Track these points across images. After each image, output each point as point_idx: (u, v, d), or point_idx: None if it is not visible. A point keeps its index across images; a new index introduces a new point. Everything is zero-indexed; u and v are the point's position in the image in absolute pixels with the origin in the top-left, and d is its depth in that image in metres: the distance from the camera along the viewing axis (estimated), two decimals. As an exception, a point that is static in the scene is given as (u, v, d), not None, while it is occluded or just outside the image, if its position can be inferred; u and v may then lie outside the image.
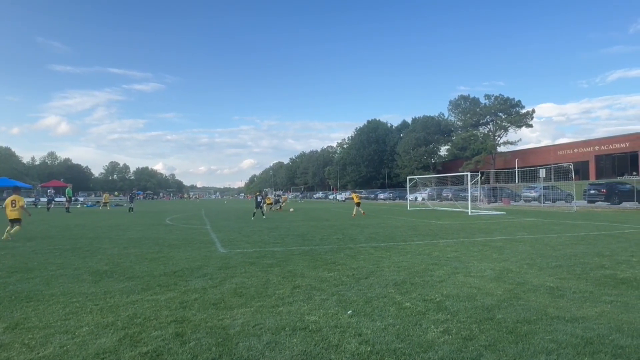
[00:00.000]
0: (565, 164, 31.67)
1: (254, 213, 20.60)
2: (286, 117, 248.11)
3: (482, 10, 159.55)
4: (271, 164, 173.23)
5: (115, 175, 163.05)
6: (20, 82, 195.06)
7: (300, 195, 77.95)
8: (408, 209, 29.03)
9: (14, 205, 11.41)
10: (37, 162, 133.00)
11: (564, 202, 32.72)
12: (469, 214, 21.92)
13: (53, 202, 39.16)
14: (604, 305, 4.41)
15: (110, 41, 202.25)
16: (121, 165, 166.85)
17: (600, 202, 29.57)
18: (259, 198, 21.71)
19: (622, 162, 48.45)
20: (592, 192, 30.50)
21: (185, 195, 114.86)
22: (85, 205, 42.48)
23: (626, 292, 5.01)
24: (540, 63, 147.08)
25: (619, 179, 40.83)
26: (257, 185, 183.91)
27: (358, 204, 22.28)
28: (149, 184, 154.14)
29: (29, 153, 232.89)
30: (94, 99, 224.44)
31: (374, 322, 3.93)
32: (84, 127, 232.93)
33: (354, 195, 23.85)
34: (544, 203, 31.44)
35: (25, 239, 11.14)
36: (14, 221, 11.31)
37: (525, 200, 35.58)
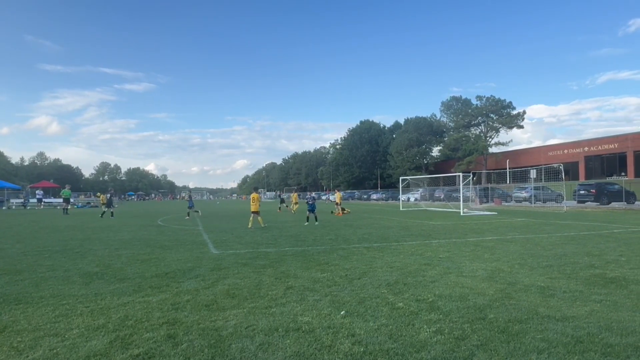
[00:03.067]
0: (555, 165, 32.04)
1: (309, 217, 16.69)
2: (279, 118, 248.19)
3: (475, 12, 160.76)
4: (264, 165, 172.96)
5: (106, 176, 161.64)
6: (9, 81, 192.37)
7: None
8: (401, 209, 29.14)
9: (253, 200, 14.96)
10: (27, 163, 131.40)
11: (554, 202, 33.09)
12: (461, 214, 22.07)
13: (42, 202, 38.63)
14: (593, 304, 4.47)
15: (102, 40, 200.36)
16: (112, 165, 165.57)
17: (589, 202, 29.96)
18: (309, 199, 17.14)
19: (611, 163, 49.15)
20: (581, 192, 30.88)
21: (183, 195, 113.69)
22: (75, 207, 41.96)
23: (615, 291, 5.07)
24: (531, 65, 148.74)
25: (607, 179, 41.38)
26: (249, 185, 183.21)
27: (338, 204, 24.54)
28: (140, 185, 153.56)
29: (18, 153, 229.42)
30: (85, 99, 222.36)
31: (367, 322, 3.94)
32: (75, 127, 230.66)
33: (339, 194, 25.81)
34: (534, 203, 31.76)
35: (14, 240, 10.99)
36: (255, 213, 14.62)
37: (516, 201, 35.92)
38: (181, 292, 5.16)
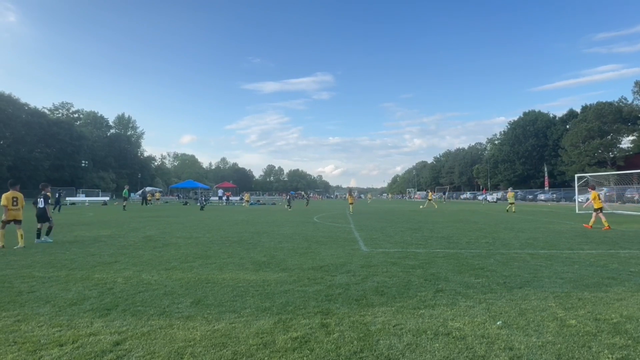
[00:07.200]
0: None
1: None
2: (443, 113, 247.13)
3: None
4: (414, 164, 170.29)
5: (271, 177, 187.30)
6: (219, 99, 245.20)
7: (444, 196, 74.31)
8: (577, 212, 24.89)
9: (350, 197, 19.30)
10: (213, 167, 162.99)
11: None
12: (665, 219, 17.63)
13: (223, 200, 45.75)
14: None
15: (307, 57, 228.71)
16: (276, 168, 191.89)
17: None
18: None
19: None
20: None
21: (346, 195, 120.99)
22: (249, 204, 48.58)
23: None
24: None
25: None
26: (399, 185, 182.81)
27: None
28: (299, 185, 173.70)
29: (208, 159, 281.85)
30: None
31: (529, 337, 3.54)
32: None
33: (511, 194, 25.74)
34: None
35: (204, 230, 13.39)
36: (351, 204, 20.33)
37: None
38: (334, 285, 5.50)
